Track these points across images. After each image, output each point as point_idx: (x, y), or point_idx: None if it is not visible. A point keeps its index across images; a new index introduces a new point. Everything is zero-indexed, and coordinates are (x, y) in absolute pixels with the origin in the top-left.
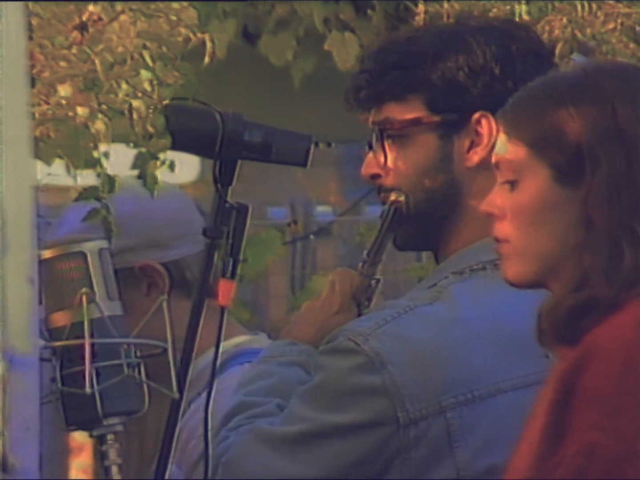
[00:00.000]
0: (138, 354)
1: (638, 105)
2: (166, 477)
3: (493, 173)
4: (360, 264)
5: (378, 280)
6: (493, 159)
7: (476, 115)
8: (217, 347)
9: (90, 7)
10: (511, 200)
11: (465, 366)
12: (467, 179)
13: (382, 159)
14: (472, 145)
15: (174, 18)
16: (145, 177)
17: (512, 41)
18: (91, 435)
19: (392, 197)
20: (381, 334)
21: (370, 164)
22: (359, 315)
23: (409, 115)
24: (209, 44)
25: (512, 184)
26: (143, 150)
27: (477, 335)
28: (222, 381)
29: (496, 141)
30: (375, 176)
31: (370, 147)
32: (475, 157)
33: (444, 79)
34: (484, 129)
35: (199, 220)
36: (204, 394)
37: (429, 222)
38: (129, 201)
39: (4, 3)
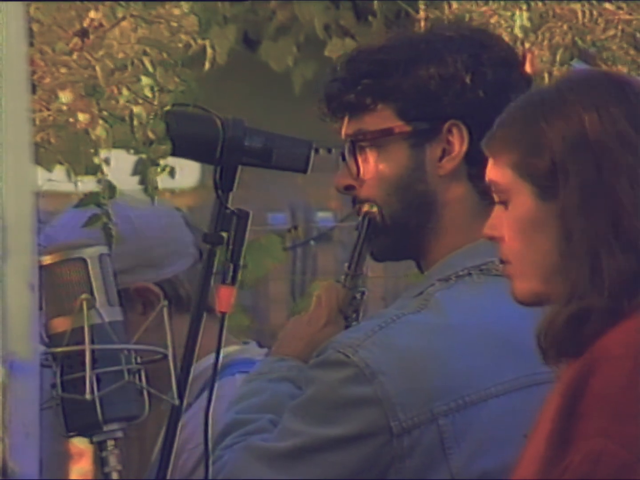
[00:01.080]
0: (138, 360)
1: (605, 112)
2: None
3: (467, 181)
4: (343, 277)
5: (363, 293)
6: (487, 180)
7: (447, 124)
8: (218, 353)
9: (91, 14)
10: (505, 223)
11: (455, 372)
12: (441, 187)
13: (355, 170)
14: (444, 153)
15: (175, 24)
16: (145, 183)
17: (483, 50)
18: (91, 442)
19: (365, 208)
20: (370, 344)
21: (344, 175)
22: (347, 327)
23: (381, 125)
24: (209, 50)
25: (505, 204)
26: (143, 156)
27: (466, 340)
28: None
29: (473, 151)
30: (349, 187)
31: (344, 159)
32: (448, 165)
33: (415, 87)
34: (455, 137)
35: (188, 235)
36: (195, 405)
37: (405, 232)
38: (120, 223)
39: (4, 8)
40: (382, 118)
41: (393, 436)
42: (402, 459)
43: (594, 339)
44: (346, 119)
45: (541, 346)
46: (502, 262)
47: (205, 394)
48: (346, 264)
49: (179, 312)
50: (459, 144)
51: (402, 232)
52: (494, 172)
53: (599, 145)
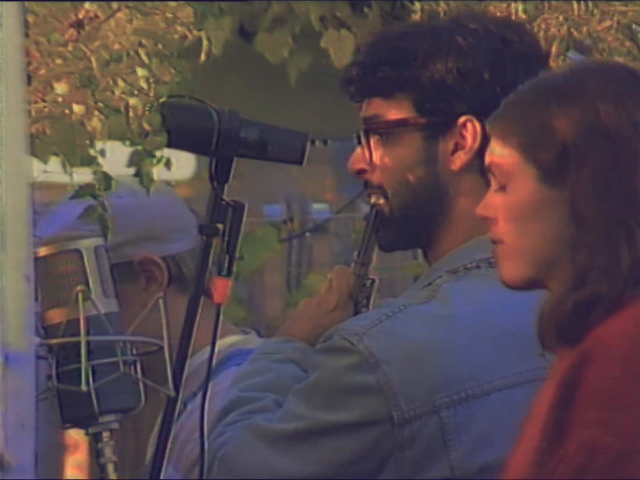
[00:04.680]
0: (134, 351)
1: (621, 102)
2: (162, 476)
3: (478, 175)
4: (353, 264)
5: (373, 280)
6: (485, 165)
7: (462, 119)
8: (213, 344)
9: (87, 5)
10: (502, 203)
11: (459, 365)
12: (452, 180)
13: (368, 156)
14: (457, 148)
15: (170, 15)
16: (141, 174)
17: (505, 46)
18: (87, 433)
19: (373, 200)
20: (375, 333)
21: (358, 159)
22: (356, 313)
23: (396, 114)
24: (205, 42)
25: (503, 188)
26: (139, 147)
27: (471, 333)
28: (218, 383)
29: (485, 146)
30: (361, 171)
31: (359, 142)
32: (459, 160)
33: (432, 80)
34: (468, 132)
35: (191, 216)
36: (200, 395)
37: (414, 224)
38: (125, 195)
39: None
40: (399, 107)
41: (394, 426)
42: (402, 449)
43: (594, 327)
44: (365, 102)
45: (542, 330)
46: (493, 242)
47: (211, 384)
48: (356, 252)
49: (181, 292)
50: (472, 138)
51: (410, 224)
52: (497, 153)
53: (614, 133)
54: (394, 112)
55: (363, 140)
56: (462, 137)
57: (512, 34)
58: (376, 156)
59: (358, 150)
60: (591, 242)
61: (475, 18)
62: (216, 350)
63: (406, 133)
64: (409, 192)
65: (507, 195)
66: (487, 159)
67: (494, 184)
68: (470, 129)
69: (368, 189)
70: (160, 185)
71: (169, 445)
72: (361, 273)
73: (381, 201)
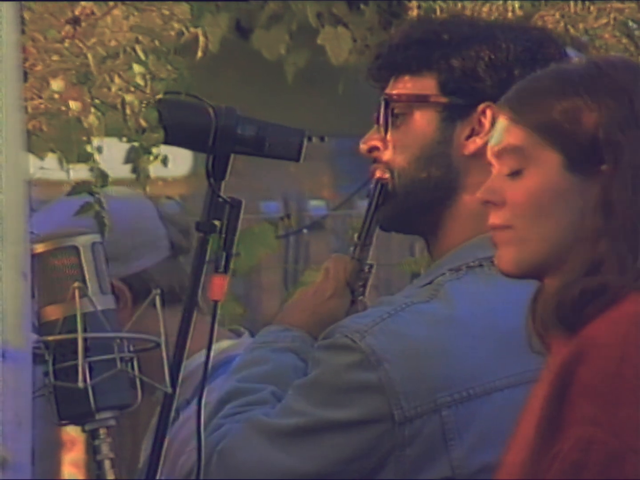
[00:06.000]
0: (131, 348)
1: None
2: (158, 475)
3: (489, 164)
4: (352, 248)
5: (371, 266)
6: (495, 148)
7: (482, 106)
8: (210, 342)
9: (83, 2)
10: (514, 188)
11: (461, 364)
12: (463, 167)
13: (383, 130)
14: (472, 133)
15: (167, 12)
16: (138, 171)
17: (540, 49)
18: (84, 430)
19: (378, 173)
20: (377, 331)
21: (372, 137)
22: (353, 301)
23: (419, 92)
24: (201, 38)
25: (516, 172)
26: (136, 144)
27: (473, 333)
28: (211, 391)
29: (496, 129)
30: (373, 149)
31: (378, 121)
32: (473, 145)
33: (462, 64)
34: (487, 119)
35: (160, 228)
36: (194, 403)
37: (417, 204)
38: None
39: None
40: (424, 85)
41: (395, 424)
42: (403, 447)
43: (592, 318)
44: (391, 81)
45: (542, 313)
46: (494, 227)
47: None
48: (356, 234)
49: (151, 306)
50: (489, 125)
51: (413, 203)
52: (512, 134)
53: None
54: (418, 89)
55: (382, 116)
56: (480, 123)
57: (549, 40)
58: (391, 133)
59: (374, 129)
60: (615, 233)
61: (516, 21)
62: (208, 345)
63: (425, 112)
64: (418, 170)
65: (522, 181)
66: (497, 143)
67: (503, 168)
68: (490, 116)
69: (375, 164)
70: (129, 195)
71: (165, 444)
72: (361, 257)
73: (386, 175)
